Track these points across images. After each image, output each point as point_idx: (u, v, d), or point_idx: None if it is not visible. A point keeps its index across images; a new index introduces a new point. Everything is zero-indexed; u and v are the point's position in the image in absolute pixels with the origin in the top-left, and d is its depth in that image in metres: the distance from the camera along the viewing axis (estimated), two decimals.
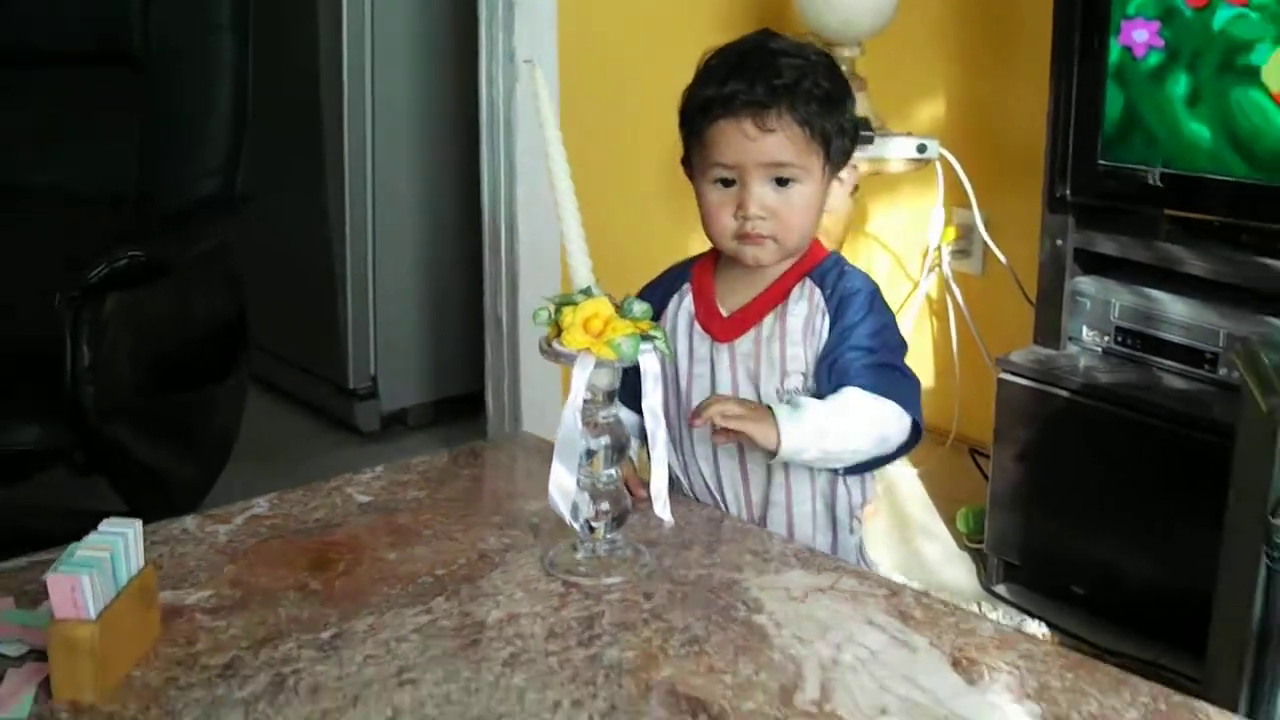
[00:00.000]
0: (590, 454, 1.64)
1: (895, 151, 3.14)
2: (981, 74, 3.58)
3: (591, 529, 1.66)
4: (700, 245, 1.93)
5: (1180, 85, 2.72)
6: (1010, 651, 1.54)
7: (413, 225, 3.90)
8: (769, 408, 1.74)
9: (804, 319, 1.83)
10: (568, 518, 1.63)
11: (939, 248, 3.63)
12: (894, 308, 3.70)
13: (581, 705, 1.39)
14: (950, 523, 3.36)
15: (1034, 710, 1.43)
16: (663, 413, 1.64)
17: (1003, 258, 3.41)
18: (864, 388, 1.78)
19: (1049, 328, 3.02)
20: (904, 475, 3.61)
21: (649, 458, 1.72)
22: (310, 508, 1.85)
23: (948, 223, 3.60)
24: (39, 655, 1.42)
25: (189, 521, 1.80)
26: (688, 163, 1.85)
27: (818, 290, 1.84)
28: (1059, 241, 2.96)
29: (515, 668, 1.45)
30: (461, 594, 1.61)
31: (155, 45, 3.06)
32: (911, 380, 1.83)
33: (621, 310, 1.60)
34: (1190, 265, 2.80)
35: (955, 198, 3.47)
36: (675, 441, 1.92)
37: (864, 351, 1.80)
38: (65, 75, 3.11)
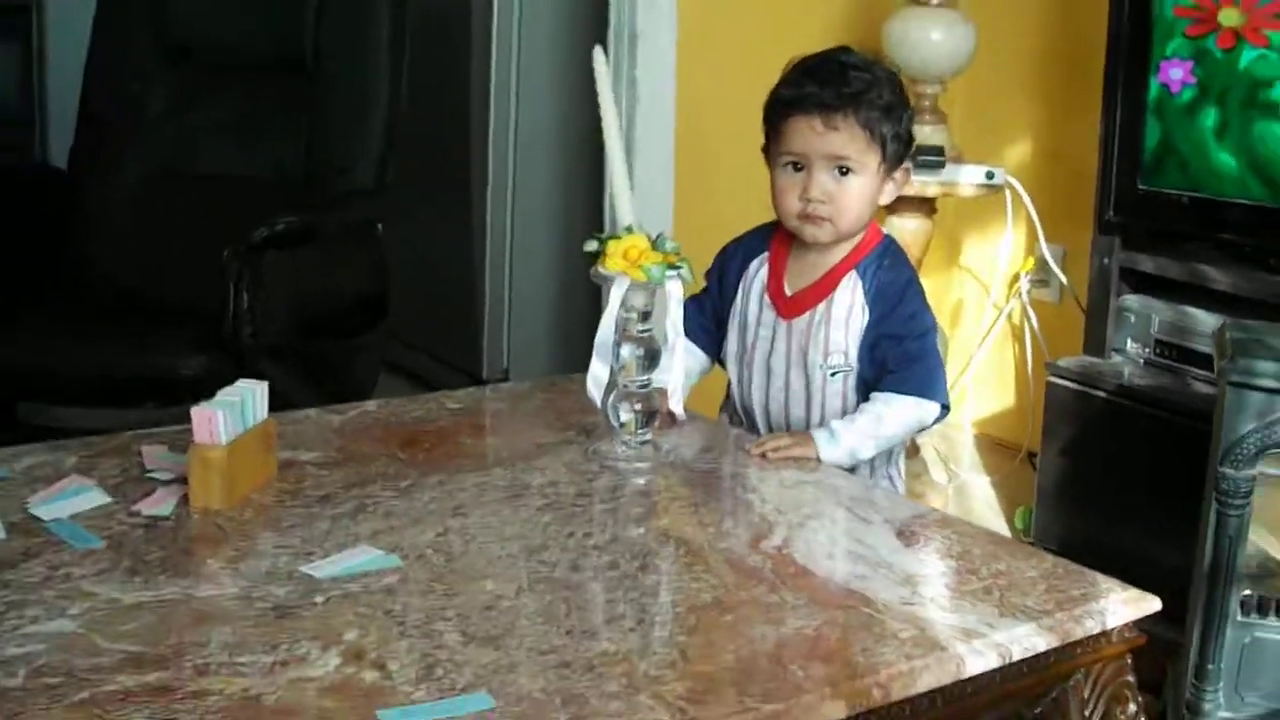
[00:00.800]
0: (626, 362, 2.04)
1: (966, 177, 3.50)
2: (1055, 110, 3.93)
3: (622, 424, 2.05)
4: None
5: (1210, 118, 3.05)
6: (949, 529, 1.90)
7: (547, 227, 4.31)
8: (811, 435, 2.13)
9: (847, 309, 2.20)
10: (598, 402, 2.04)
11: (1017, 276, 3.96)
12: (976, 332, 4.08)
13: (590, 535, 1.78)
14: (1010, 522, 3.68)
15: (951, 565, 1.79)
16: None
17: (1064, 278, 3.75)
18: (893, 384, 2.15)
19: (1096, 339, 3.35)
20: (977, 483, 3.94)
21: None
22: (410, 409, 2.26)
23: (1028, 252, 3.94)
24: (183, 481, 1.85)
25: (311, 411, 2.23)
26: (767, 151, 2.23)
27: (860, 284, 2.20)
28: (1106, 261, 3.30)
29: (546, 511, 1.85)
30: (516, 467, 2.01)
31: (324, 56, 3.56)
32: (934, 364, 2.19)
33: (655, 245, 2.00)
34: (1218, 283, 3.12)
35: (1045, 229, 3.80)
36: (738, 384, 2.31)
37: (895, 340, 2.17)
38: (249, 80, 3.63)
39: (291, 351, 3.07)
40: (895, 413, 2.15)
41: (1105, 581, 1.75)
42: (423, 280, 4.47)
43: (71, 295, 3.48)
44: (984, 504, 3.83)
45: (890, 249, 2.24)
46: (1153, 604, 1.75)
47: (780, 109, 2.17)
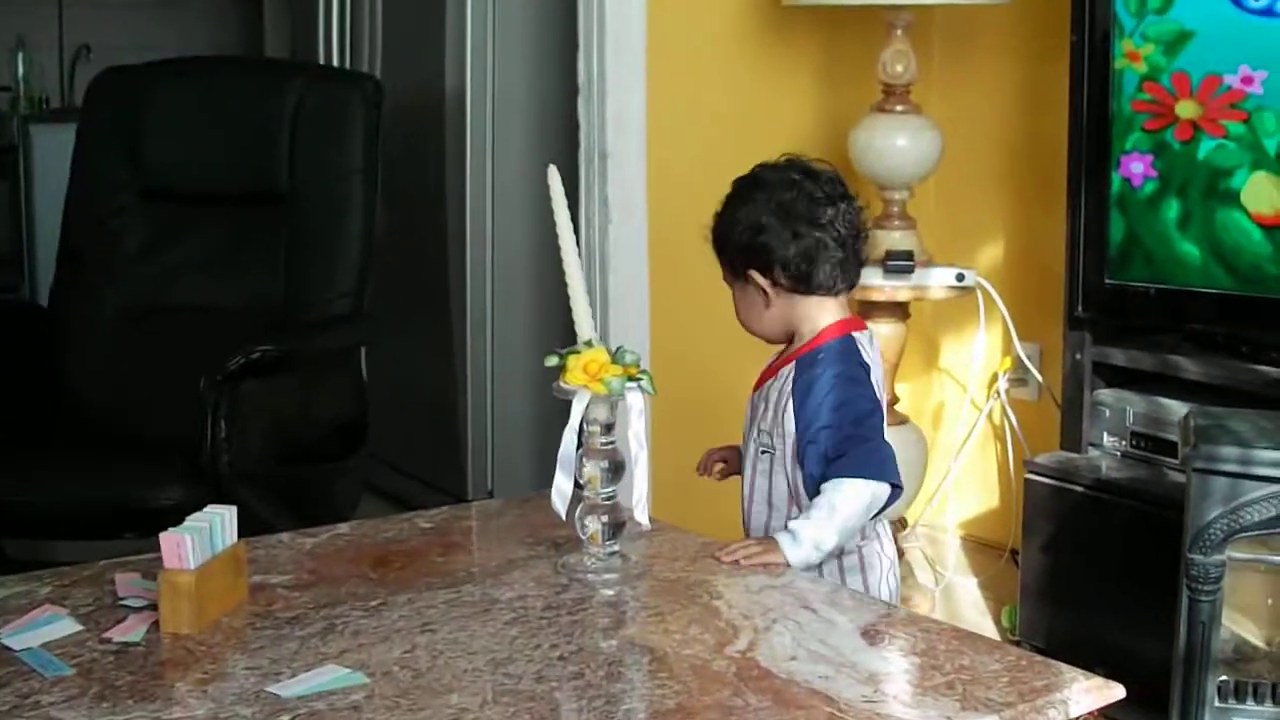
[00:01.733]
0: (590, 475, 2.06)
1: (936, 280, 3.55)
2: (1023, 210, 3.99)
3: (589, 536, 2.07)
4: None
5: (1172, 210, 3.10)
6: (913, 628, 1.92)
7: (526, 345, 4.31)
8: (776, 539, 2.17)
9: (779, 393, 2.27)
10: (563, 515, 2.06)
11: (995, 376, 4.00)
12: (957, 434, 4.09)
13: (556, 647, 1.80)
14: (997, 621, 3.69)
15: (915, 661, 1.81)
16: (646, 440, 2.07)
17: (1040, 376, 3.79)
18: (838, 469, 2.17)
19: (1072, 434, 3.38)
20: (964, 585, 3.95)
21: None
22: (382, 530, 2.28)
23: (1004, 352, 3.98)
24: (154, 608, 1.87)
25: (284, 535, 2.24)
26: None
27: (794, 373, 2.26)
28: (1078, 356, 3.34)
29: (514, 625, 1.87)
30: (486, 583, 2.03)
31: (299, 188, 3.61)
32: (877, 445, 2.21)
33: (615, 357, 2.04)
34: (1190, 372, 3.15)
35: (1019, 327, 3.84)
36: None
37: (831, 429, 2.20)
38: (225, 213, 3.68)
39: (270, 479, 3.09)
40: (846, 497, 2.16)
41: (1069, 671, 1.77)
42: (405, 402, 4.51)
43: (52, 430, 3.52)
44: (970, 605, 3.84)
45: (832, 349, 2.26)
46: (1117, 692, 1.76)
47: None
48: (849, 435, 2.20)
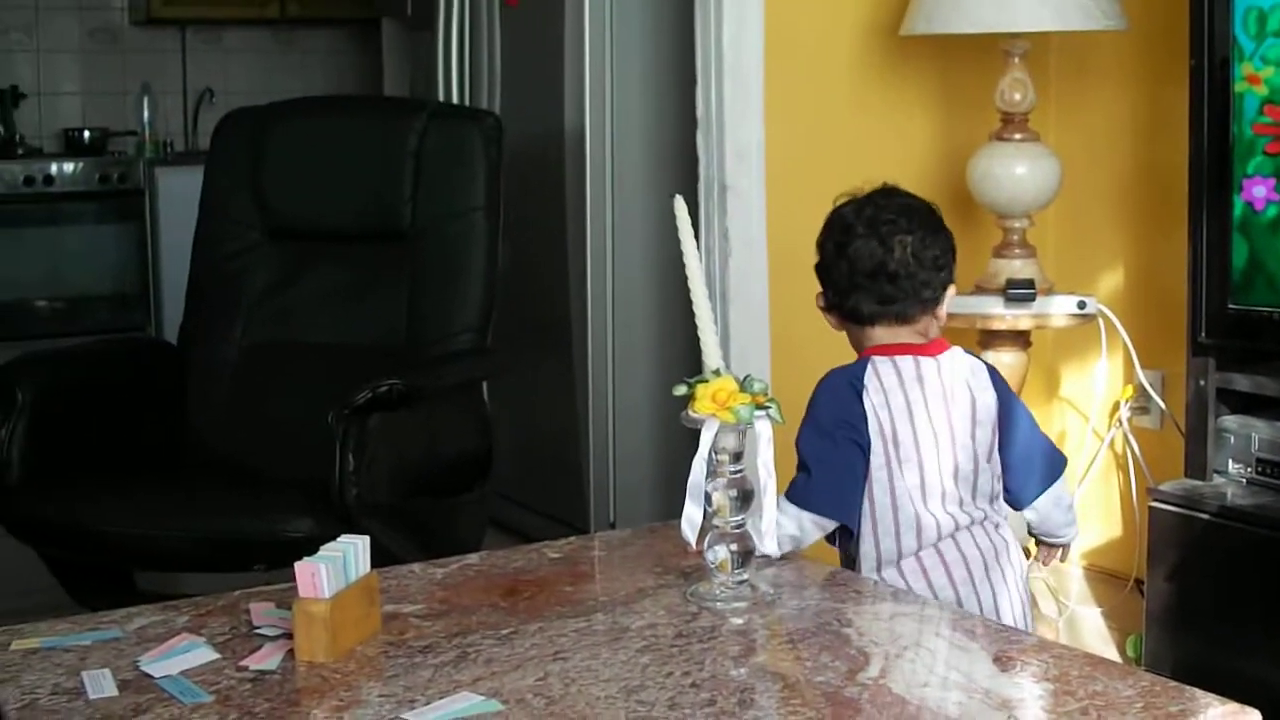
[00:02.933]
0: (719, 503, 2.07)
1: (1057, 309, 3.53)
2: (1144, 236, 3.94)
3: (718, 565, 2.08)
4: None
5: None
6: (1045, 654, 1.91)
7: (647, 377, 4.35)
8: None
9: None
10: (693, 544, 2.08)
11: (1118, 404, 3.96)
12: (1079, 463, 4.06)
13: (688, 674, 1.81)
14: (1121, 651, 3.65)
15: (1048, 688, 1.80)
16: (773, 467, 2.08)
17: (1163, 404, 3.75)
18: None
19: (1197, 462, 3.34)
20: (1088, 615, 3.92)
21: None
22: (511, 560, 2.31)
23: (1126, 380, 3.94)
24: (289, 636, 1.91)
25: (415, 566, 2.28)
26: None
27: None
28: (1201, 383, 3.30)
29: (645, 653, 1.89)
30: (616, 611, 2.05)
31: (421, 225, 3.67)
32: (804, 480, 2.27)
33: (743, 386, 2.05)
34: None
35: (1140, 355, 3.81)
36: None
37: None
38: (349, 251, 3.74)
39: (397, 511, 3.13)
40: (781, 513, 2.23)
41: (1203, 696, 1.75)
42: (526, 436, 4.54)
43: (178, 465, 3.59)
44: (1095, 634, 3.81)
45: (832, 374, 2.33)
46: (1252, 717, 1.74)
47: None
48: (799, 465, 2.28)
